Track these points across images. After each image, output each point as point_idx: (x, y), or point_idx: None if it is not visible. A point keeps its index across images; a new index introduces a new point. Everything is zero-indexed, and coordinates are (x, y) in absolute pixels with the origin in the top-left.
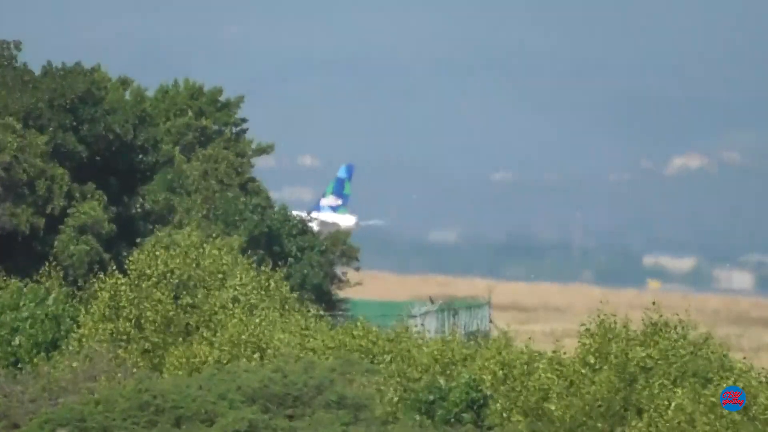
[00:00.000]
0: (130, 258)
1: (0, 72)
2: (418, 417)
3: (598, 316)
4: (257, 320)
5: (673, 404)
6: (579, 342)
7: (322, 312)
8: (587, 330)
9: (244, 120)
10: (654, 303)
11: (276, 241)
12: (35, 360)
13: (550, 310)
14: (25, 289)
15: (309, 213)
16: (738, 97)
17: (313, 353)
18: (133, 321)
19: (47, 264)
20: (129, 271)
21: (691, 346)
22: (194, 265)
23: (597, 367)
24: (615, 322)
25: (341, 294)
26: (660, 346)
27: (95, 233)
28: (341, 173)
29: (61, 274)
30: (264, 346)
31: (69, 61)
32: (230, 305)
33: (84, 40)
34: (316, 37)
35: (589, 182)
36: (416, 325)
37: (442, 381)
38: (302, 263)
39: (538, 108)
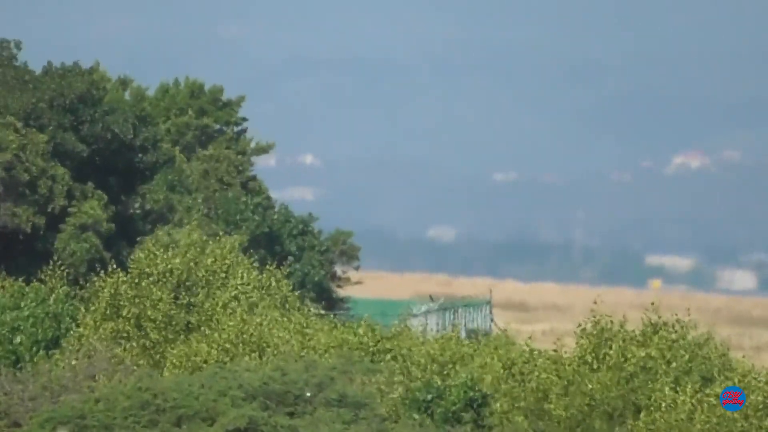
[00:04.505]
0: (132, 257)
1: (0, 72)
2: (417, 416)
3: (594, 317)
4: (258, 319)
5: (672, 403)
6: (576, 342)
7: (322, 311)
8: (583, 330)
9: (245, 119)
10: (653, 303)
11: (277, 241)
12: (36, 359)
13: (550, 309)
14: (26, 288)
15: None
16: (738, 96)
17: (314, 352)
18: (133, 320)
19: (51, 262)
20: (130, 270)
21: (691, 345)
22: (193, 264)
23: (595, 366)
24: (611, 322)
25: (342, 293)
26: (659, 345)
27: (95, 232)
28: None
29: (65, 273)
30: (264, 345)
31: (69, 59)
32: (231, 304)
33: (84, 39)
34: (316, 37)
35: (590, 182)
36: (421, 325)
37: (438, 380)
38: (303, 262)
39: (538, 107)
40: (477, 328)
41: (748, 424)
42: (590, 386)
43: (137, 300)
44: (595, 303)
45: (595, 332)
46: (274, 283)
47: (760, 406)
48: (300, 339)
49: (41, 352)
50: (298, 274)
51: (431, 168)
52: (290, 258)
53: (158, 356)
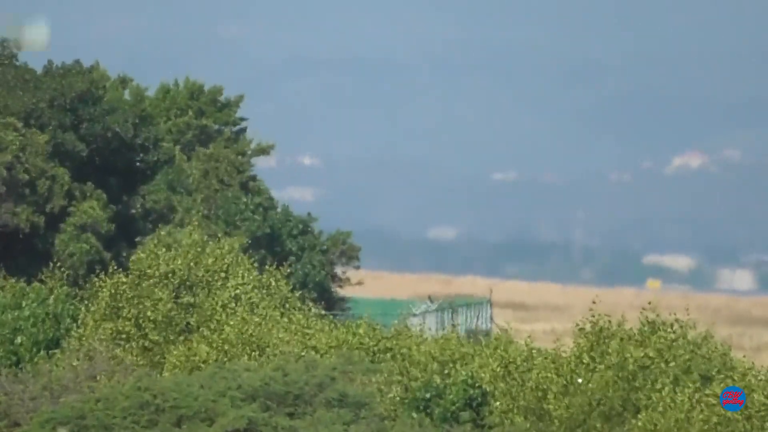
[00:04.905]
0: (133, 258)
1: (1, 71)
2: (416, 415)
3: (592, 316)
4: (258, 319)
5: (672, 403)
6: (574, 342)
7: (323, 311)
8: (581, 330)
9: (243, 119)
10: (650, 303)
11: (277, 241)
12: (36, 359)
13: (550, 309)
14: (27, 288)
15: None
16: (738, 96)
17: (315, 352)
18: (133, 320)
19: (52, 263)
20: (131, 271)
21: (691, 344)
22: (193, 264)
23: (593, 366)
24: (609, 322)
25: (342, 293)
26: (658, 345)
27: (95, 232)
28: None
29: (66, 274)
30: (264, 345)
31: (70, 59)
32: (231, 304)
33: (84, 39)
34: (316, 37)
35: (590, 182)
36: (420, 324)
37: (438, 379)
38: (303, 262)
39: (538, 107)
40: (477, 327)
41: (750, 424)
42: (590, 385)
43: (137, 300)
44: (593, 303)
45: (593, 332)
46: (274, 283)
47: (762, 407)
48: (300, 339)
49: (41, 353)
50: (299, 274)
51: (431, 168)
52: (291, 258)
53: (158, 357)
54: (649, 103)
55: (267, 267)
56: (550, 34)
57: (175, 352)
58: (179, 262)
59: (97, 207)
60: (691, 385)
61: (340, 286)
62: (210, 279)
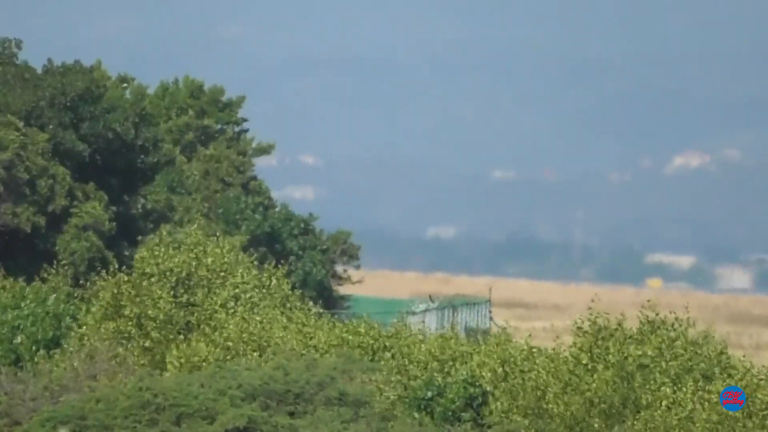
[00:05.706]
0: (135, 257)
1: (1, 70)
2: (417, 414)
3: (591, 315)
4: (257, 318)
5: (673, 402)
6: (573, 341)
7: (323, 310)
8: (579, 329)
9: (245, 119)
10: (649, 301)
11: (277, 240)
12: (36, 358)
13: (550, 307)
14: (27, 288)
15: None
16: (738, 96)
17: (315, 351)
18: (135, 319)
19: (55, 262)
20: (134, 269)
21: (691, 343)
22: (194, 263)
23: (591, 365)
24: (608, 320)
25: (342, 291)
26: (657, 343)
27: (97, 231)
28: None
29: (69, 272)
30: (264, 344)
31: (70, 58)
32: (231, 303)
33: (84, 39)
34: (316, 37)
35: (589, 181)
36: (420, 322)
37: (439, 378)
38: (304, 261)
39: (538, 107)
40: (476, 326)
41: (752, 423)
42: (591, 385)
43: (138, 299)
44: (593, 301)
45: (591, 331)
46: (274, 282)
47: (763, 406)
48: (301, 338)
49: (41, 352)
50: (300, 273)
51: (431, 168)
52: (292, 257)
53: (159, 356)
54: (649, 103)
55: (265, 266)
56: (550, 34)
57: (174, 352)
58: (178, 260)
59: (99, 206)
60: (692, 383)
61: (341, 285)
62: (210, 278)
